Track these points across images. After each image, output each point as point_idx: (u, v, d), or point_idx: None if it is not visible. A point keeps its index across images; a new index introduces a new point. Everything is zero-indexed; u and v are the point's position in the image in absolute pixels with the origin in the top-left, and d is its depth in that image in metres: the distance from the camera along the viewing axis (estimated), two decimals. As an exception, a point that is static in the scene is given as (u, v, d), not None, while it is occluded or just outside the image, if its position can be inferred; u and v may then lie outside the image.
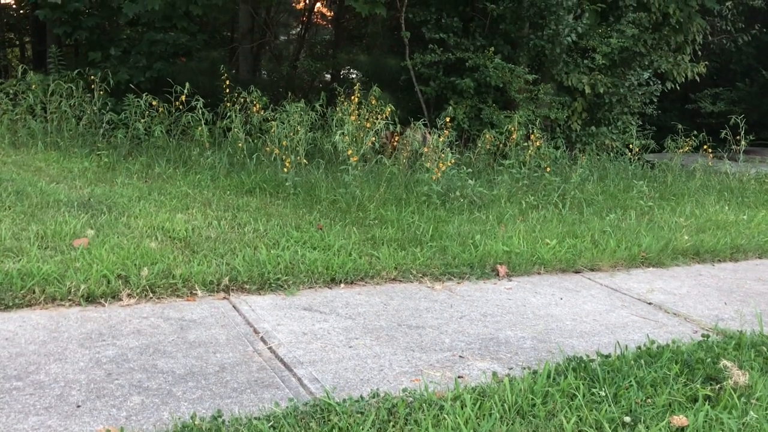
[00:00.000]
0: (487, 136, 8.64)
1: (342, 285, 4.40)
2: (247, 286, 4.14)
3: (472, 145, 9.03)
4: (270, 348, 3.37)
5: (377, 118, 6.95)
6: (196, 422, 2.46)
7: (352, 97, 7.15)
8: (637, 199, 7.66)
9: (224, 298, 4.01)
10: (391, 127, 7.53)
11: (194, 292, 3.99)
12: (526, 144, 8.68)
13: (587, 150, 10.02)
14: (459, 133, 9.98)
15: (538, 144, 8.06)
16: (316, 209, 6.09)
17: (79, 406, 2.67)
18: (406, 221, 5.85)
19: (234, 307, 3.89)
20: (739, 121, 9.56)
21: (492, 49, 9.56)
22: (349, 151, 6.38)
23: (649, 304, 4.55)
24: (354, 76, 11.60)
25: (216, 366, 3.13)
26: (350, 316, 3.89)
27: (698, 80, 12.39)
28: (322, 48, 14.60)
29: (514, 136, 8.41)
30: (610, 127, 10.86)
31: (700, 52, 12.30)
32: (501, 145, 8.62)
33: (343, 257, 4.67)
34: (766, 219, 7.01)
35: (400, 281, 4.59)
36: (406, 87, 10.84)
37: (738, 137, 9.71)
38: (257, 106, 7.59)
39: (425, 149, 6.94)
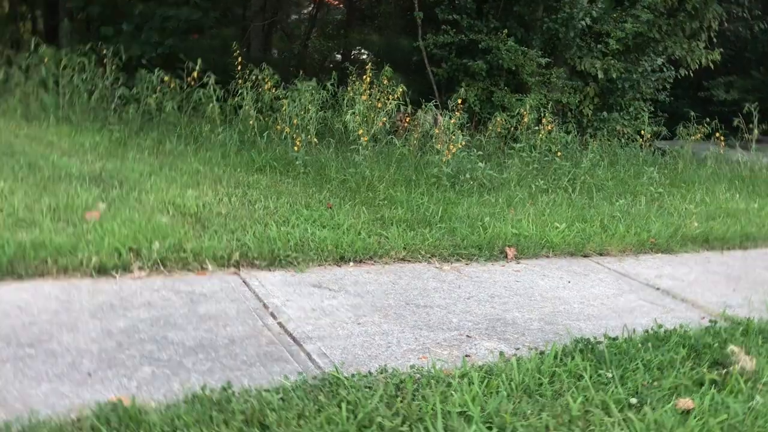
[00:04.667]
0: (498, 119, 8.61)
1: (351, 263, 4.42)
2: (257, 262, 4.16)
3: (483, 127, 9.01)
4: (279, 323, 3.40)
5: (388, 99, 6.93)
6: (206, 393, 2.50)
7: (364, 77, 7.14)
8: (648, 186, 7.62)
9: (234, 273, 4.04)
10: (402, 108, 7.52)
11: (205, 266, 4.02)
12: (537, 128, 8.66)
13: (598, 135, 9.97)
14: (470, 115, 9.94)
15: (549, 128, 8.03)
16: (325, 188, 6.10)
17: (90, 375, 2.71)
18: (416, 202, 5.86)
19: (244, 282, 3.92)
20: (752, 109, 9.48)
21: (505, 31, 9.49)
22: (360, 131, 6.38)
23: (657, 289, 4.55)
24: (366, 56, 11.55)
25: (226, 339, 3.16)
26: (359, 293, 3.91)
27: (712, 68, 12.27)
28: (334, 28, 14.53)
29: (525, 120, 8.37)
30: (621, 113, 10.80)
31: (715, 39, 12.15)
32: (512, 129, 8.59)
33: (353, 236, 4.68)
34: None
35: (409, 261, 4.61)
36: (417, 68, 10.79)
37: (751, 126, 9.64)
38: (269, 83, 7.57)
39: (436, 131, 6.92)
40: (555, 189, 7.17)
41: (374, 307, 3.72)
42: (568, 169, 7.71)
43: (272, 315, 3.49)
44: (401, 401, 2.49)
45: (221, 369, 2.85)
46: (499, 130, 8.58)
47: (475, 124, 9.40)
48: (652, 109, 11.51)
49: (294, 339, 3.22)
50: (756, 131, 9.65)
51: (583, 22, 9.65)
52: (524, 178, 7.43)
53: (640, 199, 6.75)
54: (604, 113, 10.82)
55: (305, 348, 3.13)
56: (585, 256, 5.19)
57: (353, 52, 11.66)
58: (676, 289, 4.58)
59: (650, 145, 10.19)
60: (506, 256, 4.90)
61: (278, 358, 3.01)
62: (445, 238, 4.96)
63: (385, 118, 6.69)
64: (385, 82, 7.26)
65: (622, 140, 10.10)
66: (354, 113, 6.50)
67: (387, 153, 7.06)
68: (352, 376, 2.71)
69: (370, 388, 2.61)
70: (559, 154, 7.82)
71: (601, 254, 5.25)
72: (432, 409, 2.40)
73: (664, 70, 11.13)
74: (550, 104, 9.10)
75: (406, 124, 7.33)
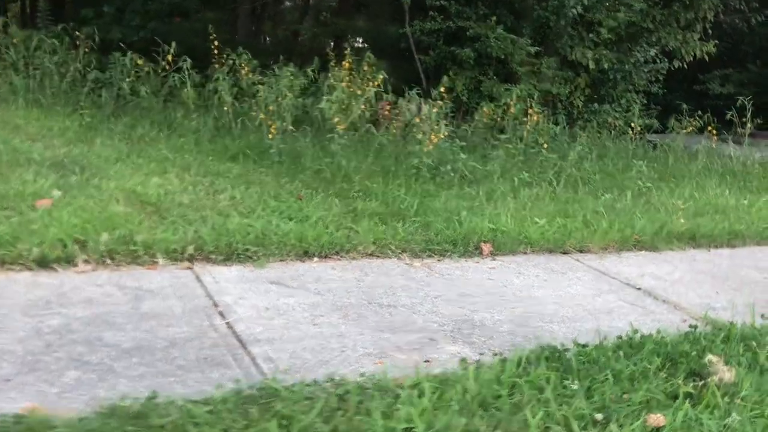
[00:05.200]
0: (485, 109, 8.36)
1: (315, 259, 4.18)
2: (213, 256, 3.92)
3: (470, 118, 8.76)
4: (227, 323, 3.16)
5: (367, 86, 6.68)
6: (127, 403, 2.26)
7: (344, 63, 6.88)
8: (636, 180, 7.39)
9: (188, 267, 3.80)
10: (384, 96, 7.26)
11: (156, 260, 3.78)
12: (525, 119, 8.42)
13: (588, 127, 9.73)
14: (458, 105, 9.69)
15: (536, 119, 7.79)
16: (299, 178, 5.85)
17: (8, 380, 2.47)
18: (392, 194, 5.61)
19: (197, 277, 3.68)
20: (746, 102, 9.26)
21: (494, 18, 9.22)
22: (336, 119, 6.13)
23: (638, 289, 4.33)
24: (357, 44, 11.27)
25: (166, 341, 2.93)
26: (319, 291, 3.68)
27: (707, 60, 12.02)
28: (327, 15, 14.19)
29: (512, 110, 8.13)
30: (613, 105, 10.56)
31: (710, 31, 11.89)
32: (499, 120, 8.35)
33: (320, 229, 4.44)
34: (767, 204, 6.76)
35: (378, 257, 4.37)
36: (405, 56, 10.52)
37: (744, 120, 9.41)
38: (246, 68, 7.30)
39: (417, 119, 6.68)
40: (539, 182, 6.93)
41: (334, 307, 3.49)
42: (555, 161, 7.47)
43: (221, 314, 3.25)
44: (342, 415, 2.26)
45: (154, 375, 2.61)
46: (485, 120, 8.33)
47: (463, 114, 9.15)
48: (645, 102, 11.28)
49: (240, 341, 2.99)
50: (749, 125, 9.42)
51: (574, 11, 9.37)
52: (508, 171, 7.19)
53: (627, 194, 6.51)
54: (596, 105, 10.58)
55: (251, 352, 2.90)
56: (564, 253, 4.96)
57: (348, 40, 11.34)
58: (658, 289, 4.36)
59: (641, 138, 9.95)
60: (481, 253, 4.67)
61: (219, 363, 2.78)
62: (418, 233, 4.72)
63: (364, 106, 6.44)
64: (366, 68, 7.00)
65: (613, 133, 9.86)
66: (329, 100, 6.24)
67: (366, 142, 6.81)
68: (293, 385, 2.48)
69: (310, 399, 2.38)
70: (545, 146, 7.58)
71: (581, 251, 5.02)
72: (373, 425, 2.17)
73: (657, 61, 10.88)
74: (536, 94, 8.82)
75: (387, 113, 7.08)
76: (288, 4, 18.92)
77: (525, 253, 4.85)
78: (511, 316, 3.64)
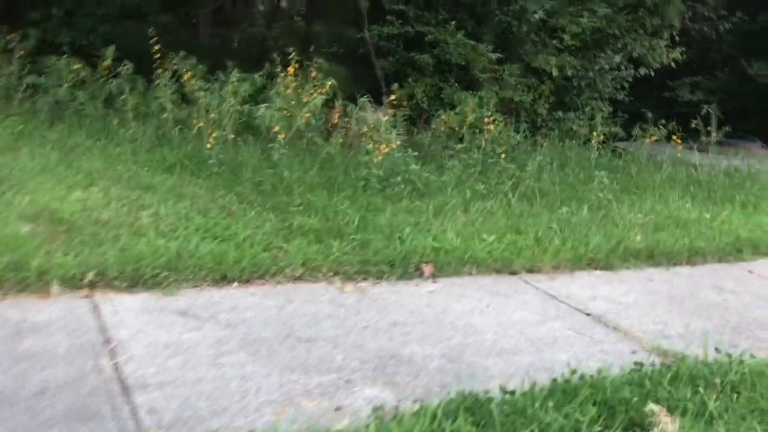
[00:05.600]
0: (443, 117, 8.05)
1: (235, 284, 3.81)
2: (117, 283, 3.54)
3: (429, 126, 8.43)
4: (115, 364, 2.79)
5: (312, 93, 6.33)
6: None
7: (288, 69, 6.52)
8: (597, 191, 7.12)
9: (86, 296, 3.41)
10: (336, 103, 6.90)
11: (50, 288, 3.39)
12: (485, 127, 8.13)
13: (551, 136, 9.46)
14: (418, 112, 9.39)
15: (491, 128, 7.50)
16: (235, 191, 5.47)
17: None
18: (334, 209, 5.26)
19: (94, 307, 3.30)
20: (711, 110, 9.06)
21: (454, 23, 8.92)
22: (276, 127, 5.77)
23: (588, 315, 4.02)
24: (326, 49, 10.90)
25: (37, 387, 2.55)
26: (231, 323, 3.31)
27: (675, 67, 11.84)
28: (290, 20, 13.80)
29: (469, 119, 7.83)
30: (578, 113, 10.31)
31: (677, 38, 11.72)
32: (457, 129, 8.04)
33: (244, 250, 4.08)
34: (730, 217, 6.51)
35: (307, 281, 4.02)
36: (365, 61, 10.18)
37: (708, 128, 9.21)
38: (188, 73, 6.91)
39: (365, 128, 6.34)
40: (496, 194, 6.62)
41: (244, 342, 3.13)
42: (513, 172, 7.18)
43: (111, 353, 2.88)
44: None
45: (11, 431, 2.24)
46: (443, 129, 8.02)
47: (424, 121, 8.83)
48: (611, 109, 11.05)
49: (125, 387, 2.62)
50: (714, 134, 9.22)
51: (536, 15, 9.11)
52: (464, 182, 6.86)
53: (584, 208, 6.22)
54: (560, 113, 10.33)
55: (134, 401, 2.53)
56: (513, 273, 4.64)
57: (313, 45, 10.96)
58: (609, 314, 4.06)
59: (607, 147, 9.70)
60: (422, 274, 4.33)
61: (94, 415, 2.41)
62: (355, 252, 4.37)
63: (309, 114, 6.09)
64: (313, 74, 6.65)
65: (577, 141, 9.60)
66: (269, 107, 5.88)
67: (314, 152, 6.44)
68: (163, 449, 2.11)
69: (180, 467, 2.02)
70: (503, 155, 7.28)
71: (531, 271, 4.70)
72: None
73: (623, 68, 10.66)
74: (492, 102, 8.50)
75: (336, 121, 6.73)
76: (259, 8, 18.54)
77: (470, 273, 4.52)
78: (445, 348, 3.31)
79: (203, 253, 3.90)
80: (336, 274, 4.12)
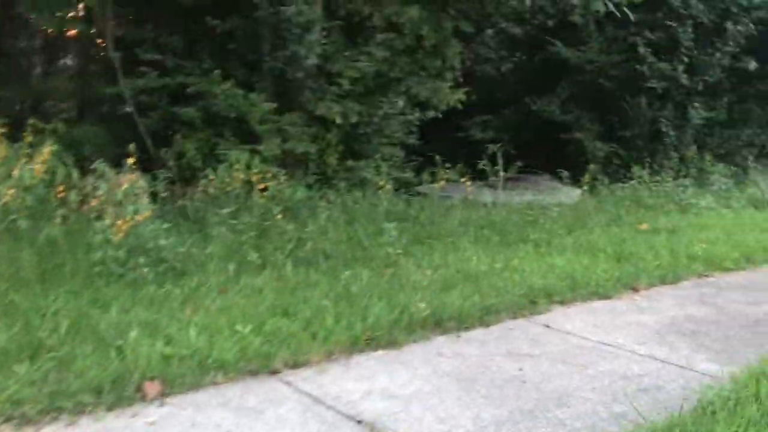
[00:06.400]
0: (210, 177, 7.06)
1: None
2: None
3: (196, 189, 7.37)
4: None
5: (25, 163, 5.07)
6: None
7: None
8: (386, 247, 6.45)
9: None
10: (60, 173, 5.65)
11: None
12: (261, 184, 7.26)
13: (340, 188, 8.77)
14: (191, 173, 8.29)
15: (263, 186, 6.65)
16: None
17: None
18: (43, 312, 4.05)
19: None
20: (494, 148, 8.88)
21: (217, 72, 8.00)
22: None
23: (359, 422, 3.18)
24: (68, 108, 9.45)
25: None
26: None
27: (464, 108, 11.78)
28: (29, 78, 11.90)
29: (239, 176, 6.91)
30: (368, 161, 9.75)
31: (462, 79, 11.69)
32: (229, 189, 7.06)
33: None
34: (522, 264, 6.08)
35: (-42, 438, 2.81)
36: (128, 120, 8.94)
37: (496, 167, 9.02)
38: None
39: (94, 200, 5.18)
40: (273, 263, 5.72)
41: None
42: (293, 234, 6.33)
43: None
44: None
45: None
46: (212, 190, 7.01)
47: (185, 184, 7.75)
48: (402, 154, 10.66)
49: None
50: (502, 172, 9.04)
51: (309, 62, 8.46)
52: (235, 252, 5.90)
53: (364, 271, 5.47)
54: (350, 161, 9.71)
55: None
56: (273, 373, 3.71)
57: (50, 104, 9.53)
58: (385, 415, 3.25)
59: (398, 195, 9.19)
60: (145, 397, 3.26)
61: None
62: (47, 380, 3.21)
63: (12, 190, 4.84)
64: (28, 140, 5.36)
65: (370, 191, 8.99)
66: None
67: (30, 238, 5.14)
68: None
69: None
70: (278, 216, 6.42)
71: (296, 366, 3.80)
72: None
73: (406, 112, 10.33)
74: (272, 155, 7.67)
75: (61, 195, 5.48)
76: None
77: (215, 383, 3.51)
78: None
79: None
80: (9, 419, 2.93)
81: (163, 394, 3.30)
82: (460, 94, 11.04)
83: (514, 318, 4.95)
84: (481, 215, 8.47)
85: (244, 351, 3.73)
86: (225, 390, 3.45)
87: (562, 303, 5.33)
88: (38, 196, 5.28)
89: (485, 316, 4.81)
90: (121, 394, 3.21)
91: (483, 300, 4.96)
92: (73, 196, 5.36)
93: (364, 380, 3.68)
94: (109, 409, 3.13)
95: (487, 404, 3.43)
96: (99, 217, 5.31)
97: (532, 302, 5.18)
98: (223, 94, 8.09)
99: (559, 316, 5.08)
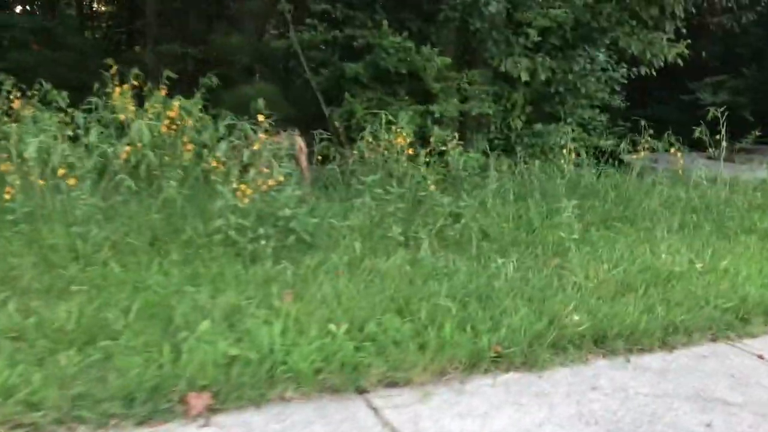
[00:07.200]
0: (366, 140, 6.37)
1: None
2: None
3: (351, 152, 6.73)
4: None
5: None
6: None
7: (116, 89, 4.92)
8: (560, 229, 5.32)
9: None
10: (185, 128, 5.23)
11: None
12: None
13: (523, 155, 7.66)
14: (359, 135, 7.71)
15: (410, 151, 5.81)
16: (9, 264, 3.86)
17: None
18: (132, 284, 3.61)
19: None
20: (717, 113, 7.18)
21: (385, 23, 7.21)
22: (61, 171, 4.16)
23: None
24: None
25: None
26: None
27: (681, 64, 9.93)
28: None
29: (399, 141, 6.14)
30: (560, 125, 8.48)
31: (685, 30, 9.83)
32: (390, 153, 6.32)
33: None
34: (736, 265, 4.61)
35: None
36: (300, 77, 8.54)
37: (717, 136, 7.31)
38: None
39: (213, 163, 4.68)
40: (414, 241, 4.91)
41: None
42: (446, 207, 5.43)
43: None
44: None
45: None
46: (368, 155, 6.31)
47: (340, 147, 7.14)
48: (602, 119, 9.21)
49: None
50: (724, 143, 7.31)
51: (491, 8, 7.35)
52: (377, 225, 5.17)
53: (528, 258, 4.45)
54: (539, 126, 8.51)
55: None
56: (360, 392, 2.90)
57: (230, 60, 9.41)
58: (486, 483, 2.30)
59: (597, 166, 7.85)
60: (186, 412, 2.62)
61: None
62: (81, 377, 2.69)
63: (126, 150, 4.47)
64: (162, 93, 4.98)
65: (555, 160, 7.78)
66: (37, 140, 4.28)
67: (146, 201, 4.77)
68: None
69: None
70: (432, 187, 5.57)
71: (391, 385, 2.95)
72: None
73: (611, 68, 8.82)
74: (407, 117, 6.72)
75: (188, 151, 5.04)
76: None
77: (282, 399, 2.79)
78: None
79: None
80: (16, 427, 2.43)
81: (210, 410, 2.64)
82: (681, 48, 9.25)
83: (713, 341, 3.67)
84: (693, 195, 6.89)
85: (328, 359, 2.96)
86: (290, 411, 2.71)
87: (788, 324, 3.90)
88: (162, 155, 4.93)
89: (669, 336, 3.59)
90: (157, 406, 2.60)
91: (669, 313, 3.72)
92: (205, 155, 4.93)
93: (476, 416, 2.75)
94: (138, 424, 2.52)
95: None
96: (227, 180, 4.83)
97: (742, 320, 3.84)
98: (393, 47, 7.31)
99: (781, 343, 3.69)
